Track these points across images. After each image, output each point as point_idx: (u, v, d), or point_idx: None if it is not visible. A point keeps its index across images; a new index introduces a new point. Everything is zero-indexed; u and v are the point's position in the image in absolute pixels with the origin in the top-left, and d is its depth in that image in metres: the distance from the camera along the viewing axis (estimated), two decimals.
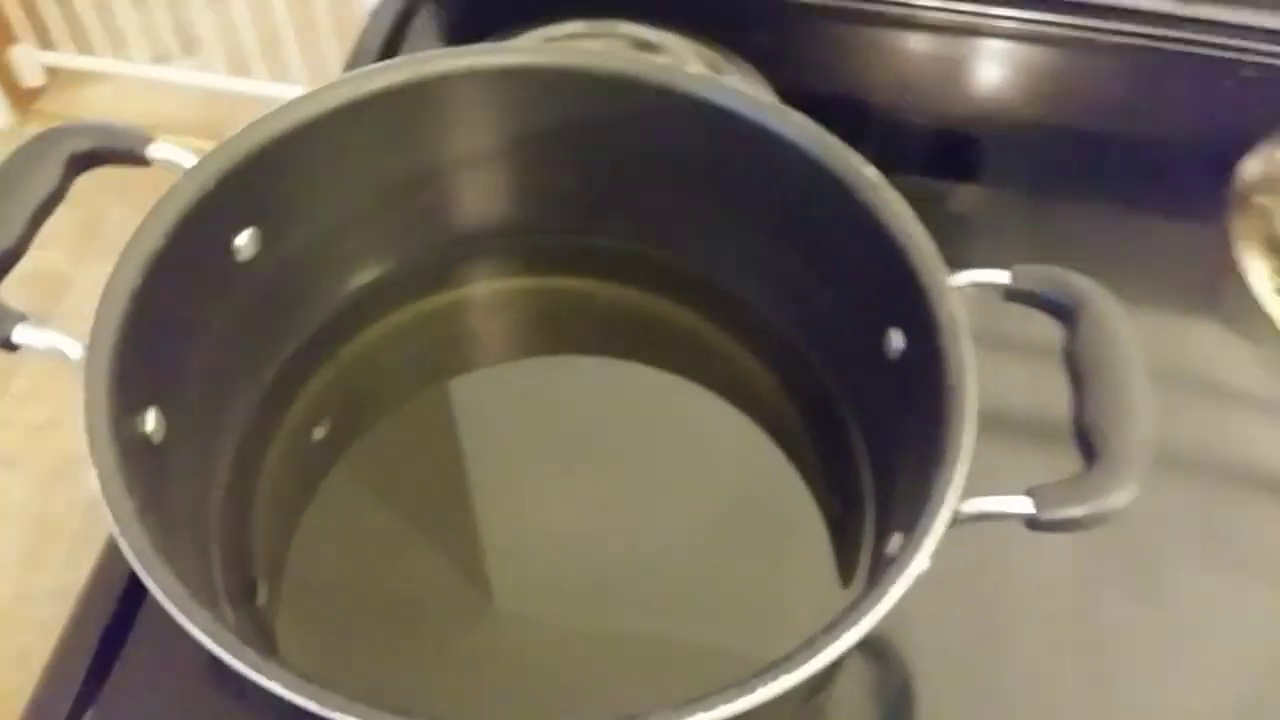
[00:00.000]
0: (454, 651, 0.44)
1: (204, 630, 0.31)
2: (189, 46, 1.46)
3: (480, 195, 0.50)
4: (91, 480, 0.33)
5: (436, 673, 0.43)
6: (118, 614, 0.45)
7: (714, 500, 0.48)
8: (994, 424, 0.38)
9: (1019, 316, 0.42)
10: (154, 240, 0.39)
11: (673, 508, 0.47)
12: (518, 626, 0.45)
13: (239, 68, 1.41)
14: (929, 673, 0.45)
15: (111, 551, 0.46)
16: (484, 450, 0.49)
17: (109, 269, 0.38)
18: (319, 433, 0.49)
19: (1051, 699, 0.45)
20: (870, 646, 0.45)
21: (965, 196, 0.63)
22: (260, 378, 0.48)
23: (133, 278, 0.38)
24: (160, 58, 1.45)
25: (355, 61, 0.64)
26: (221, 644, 0.31)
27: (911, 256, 0.40)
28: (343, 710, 0.30)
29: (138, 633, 0.44)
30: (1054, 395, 0.40)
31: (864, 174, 0.42)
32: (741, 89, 0.44)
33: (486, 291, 0.53)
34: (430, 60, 0.44)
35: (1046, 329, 0.41)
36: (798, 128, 0.43)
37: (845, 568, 0.45)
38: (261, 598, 0.44)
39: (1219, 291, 0.58)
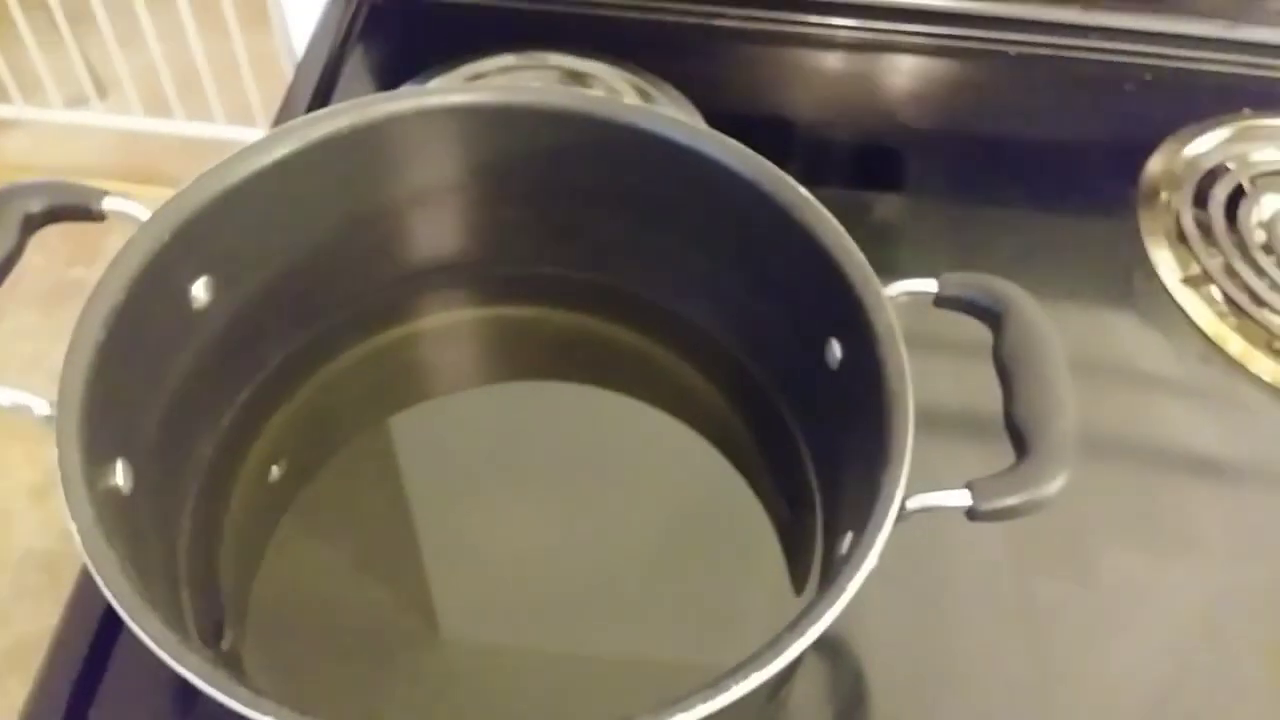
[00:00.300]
0: (420, 678, 0.45)
1: (198, 673, 0.32)
2: (104, 89, 1.44)
3: (428, 231, 0.51)
4: (73, 536, 0.34)
5: (403, 700, 0.44)
6: (89, 660, 0.45)
7: (667, 516, 0.49)
8: (928, 423, 0.40)
9: (945, 321, 0.44)
10: (115, 294, 0.40)
11: (627, 526, 0.49)
12: (481, 651, 0.46)
13: (157, 109, 1.40)
14: (881, 662, 0.47)
15: (81, 595, 0.47)
16: (441, 479, 0.50)
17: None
18: (278, 472, 0.50)
19: (998, 678, 0.47)
20: (824, 644, 0.47)
21: (888, 206, 0.66)
22: (219, 421, 0.48)
23: (96, 332, 0.39)
24: (75, 101, 1.43)
25: (289, 106, 0.64)
26: (217, 686, 0.32)
27: (848, 271, 0.42)
28: None
29: (108, 682, 0.45)
30: (980, 393, 0.42)
31: (800, 194, 0.44)
32: (679, 119, 0.46)
33: (438, 324, 0.54)
34: (376, 103, 0.46)
35: (971, 331, 0.44)
36: (734, 153, 0.45)
37: (797, 576, 0.47)
38: (228, 640, 0.45)
39: (1132, 285, 0.62)
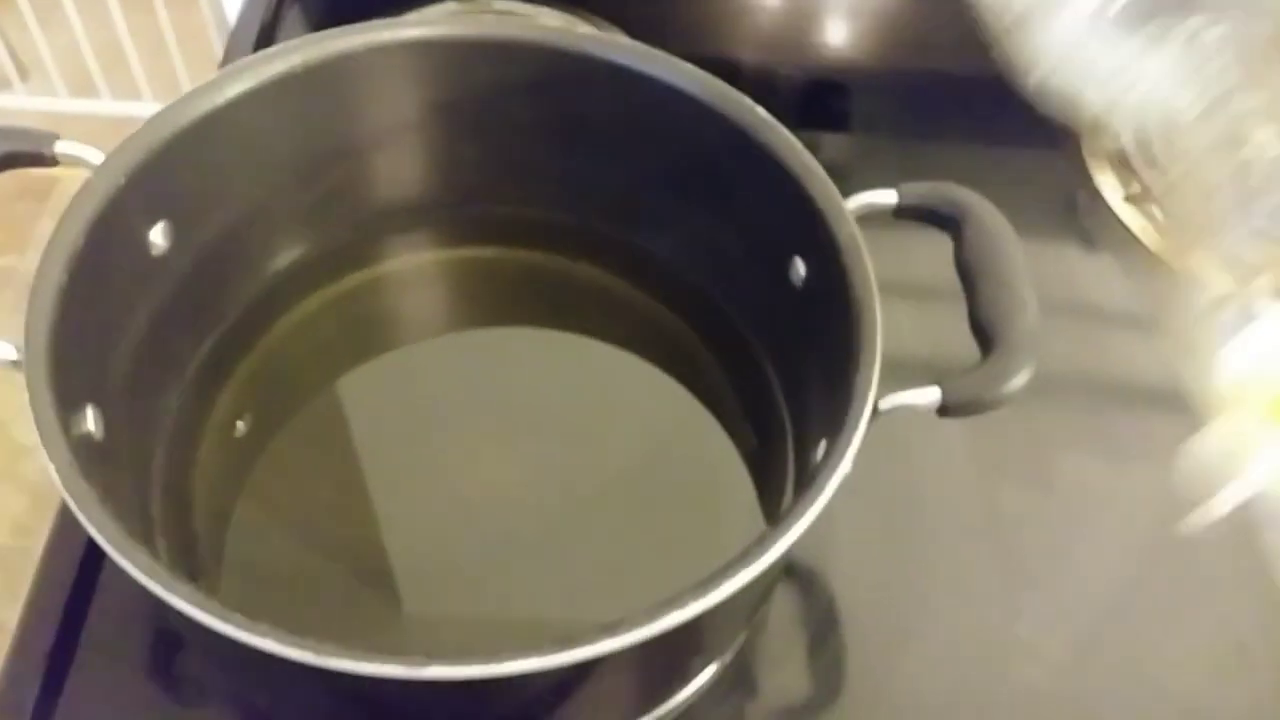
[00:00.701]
0: (394, 619, 0.45)
1: (191, 602, 0.32)
2: (25, 71, 1.40)
3: (386, 172, 0.51)
4: (51, 475, 0.33)
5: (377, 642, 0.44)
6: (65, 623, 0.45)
7: (637, 455, 0.49)
8: (888, 348, 0.40)
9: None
10: (74, 238, 0.39)
11: (597, 466, 0.49)
12: (455, 594, 0.46)
13: (83, 89, 1.37)
14: (853, 582, 0.48)
15: (56, 547, 0.46)
16: (408, 423, 0.50)
17: None
18: (247, 419, 0.49)
19: (966, 589, 0.49)
20: (798, 569, 0.48)
21: (837, 144, 0.67)
22: (185, 370, 0.48)
23: (58, 276, 0.38)
24: None
25: (231, 56, 0.63)
26: (210, 611, 0.31)
27: (809, 186, 0.43)
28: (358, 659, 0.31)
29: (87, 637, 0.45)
30: (938, 322, 0.43)
31: (757, 114, 0.45)
32: (632, 43, 0.46)
33: (398, 268, 0.54)
34: (328, 39, 0.45)
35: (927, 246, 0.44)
36: (689, 76, 0.46)
37: (769, 509, 0.47)
38: (201, 589, 0.44)
39: (1079, 207, 0.63)
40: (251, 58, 0.45)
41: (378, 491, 0.48)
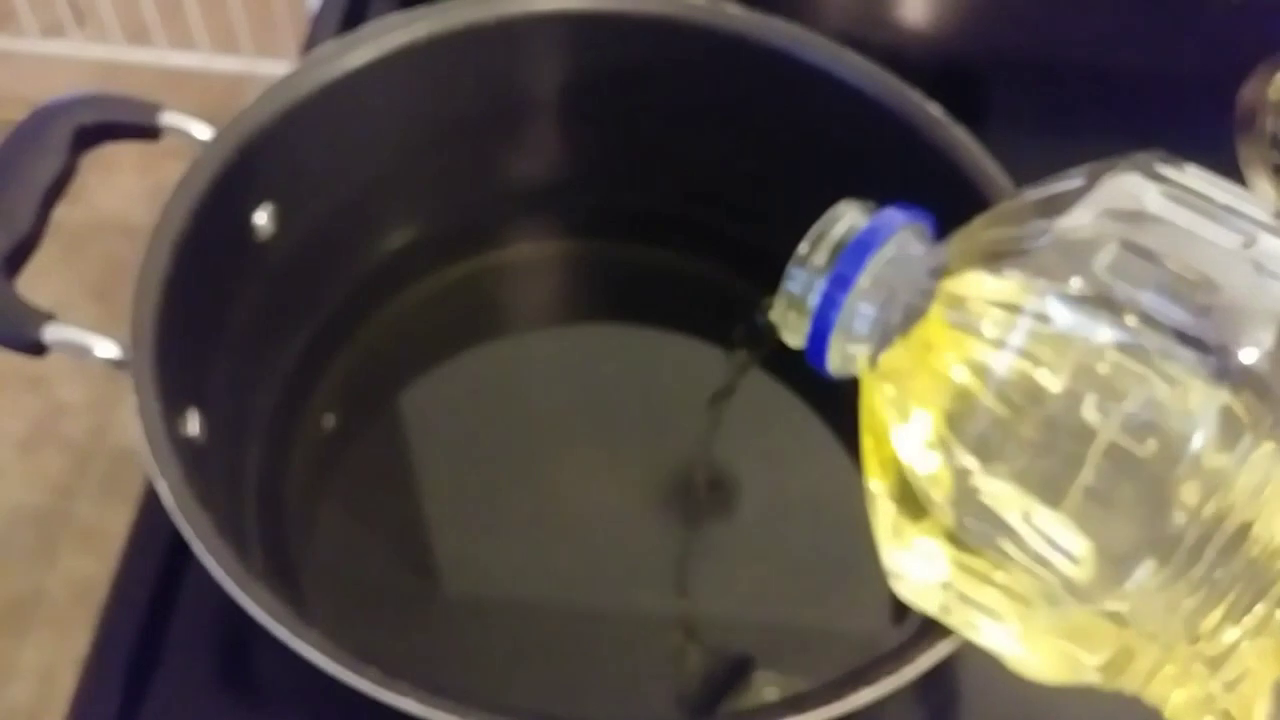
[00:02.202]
0: (488, 635, 0.42)
1: (318, 648, 0.28)
2: (82, 17, 1.36)
3: (506, 154, 0.47)
4: (163, 494, 0.30)
5: (473, 660, 0.41)
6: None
7: (754, 469, 0.46)
8: None
9: None
10: (181, 222, 0.35)
11: (709, 474, 0.45)
12: (560, 610, 0.43)
13: (138, 37, 1.33)
14: None
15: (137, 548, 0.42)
16: (512, 424, 0.46)
17: None
18: (340, 414, 0.46)
19: None
20: None
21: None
22: (282, 365, 0.44)
23: (164, 265, 0.34)
24: (51, 30, 1.35)
25: (317, 30, 0.59)
26: (342, 663, 0.28)
27: (988, 194, 0.39)
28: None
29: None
30: None
31: (929, 112, 0.40)
32: (794, 27, 0.41)
33: (511, 258, 0.50)
34: (455, 9, 0.41)
35: None
36: (854, 67, 0.41)
37: None
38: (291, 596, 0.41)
39: None
40: (372, 25, 0.40)
41: (470, 497, 0.45)
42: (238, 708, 0.41)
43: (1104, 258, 0.26)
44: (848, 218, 0.32)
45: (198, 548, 0.29)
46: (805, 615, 0.42)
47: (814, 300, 0.31)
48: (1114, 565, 0.25)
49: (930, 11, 0.68)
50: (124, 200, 1.39)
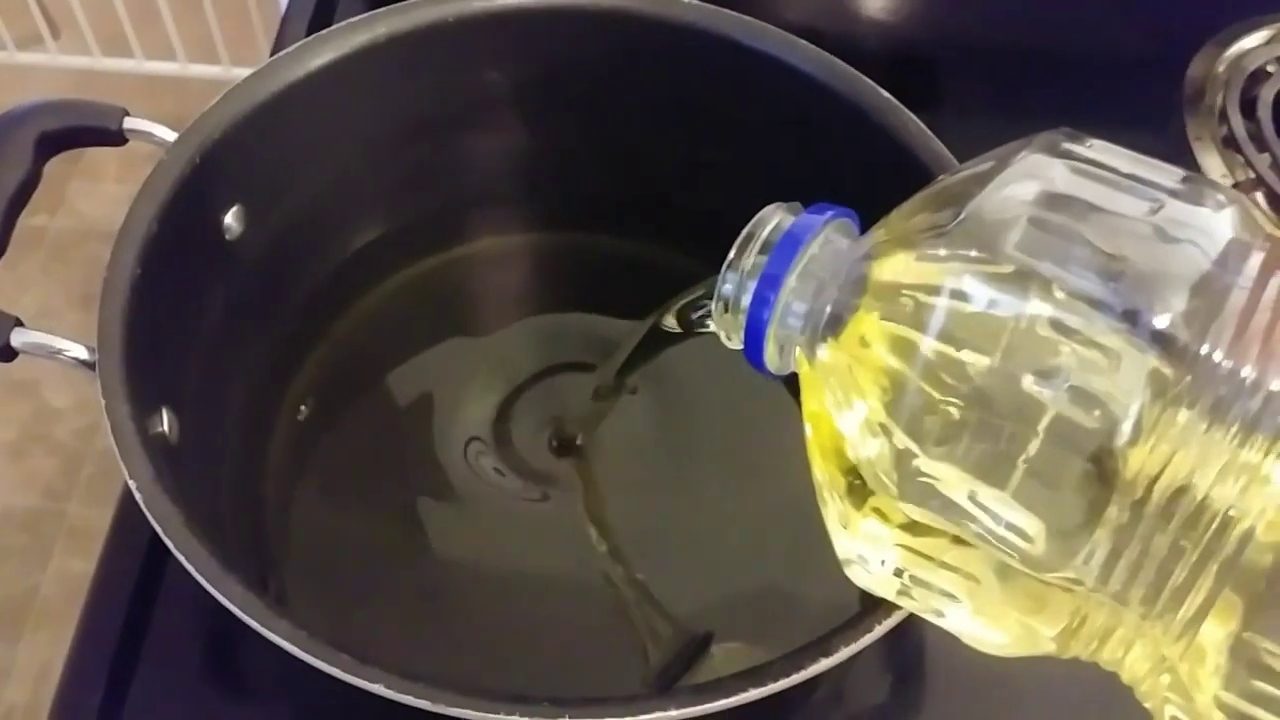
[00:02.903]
0: (470, 621, 0.42)
1: (291, 640, 0.29)
2: (57, 28, 1.36)
3: (471, 151, 0.48)
4: (135, 493, 0.30)
5: (455, 643, 0.42)
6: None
7: (738, 458, 0.47)
8: None
9: None
10: (146, 225, 0.36)
11: (696, 472, 0.46)
12: (532, 590, 0.44)
13: (115, 47, 1.33)
14: None
15: (109, 564, 0.43)
16: (485, 415, 0.47)
17: None
18: (314, 407, 0.47)
19: None
20: None
21: (926, 121, 0.63)
22: (255, 363, 0.45)
23: (131, 267, 0.35)
24: (28, 41, 1.35)
25: (285, 35, 0.59)
26: (313, 653, 0.29)
27: (936, 171, 0.40)
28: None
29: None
30: None
31: (881, 97, 0.41)
32: (743, 17, 0.42)
33: (483, 250, 0.51)
34: (417, 8, 0.42)
35: None
36: (805, 54, 0.42)
37: None
38: (271, 590, 0.42)
39: None
40: (334, 28, 0.41)
41: (444, 483, 0.45)
42: (222, 699, 0.42)
43: (1014, 235, 0.26)
44: (775, 219, 0.32)
45: (170, 544, 0.30)
46: (771, 585, 0.43)
47: (746, 301, 0.31)
48: (1061, 538, 0.26)
49: (888, 2, 0.69)
50: (107, 207, 1.39)
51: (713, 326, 0.33)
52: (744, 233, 0.32)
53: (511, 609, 0.43)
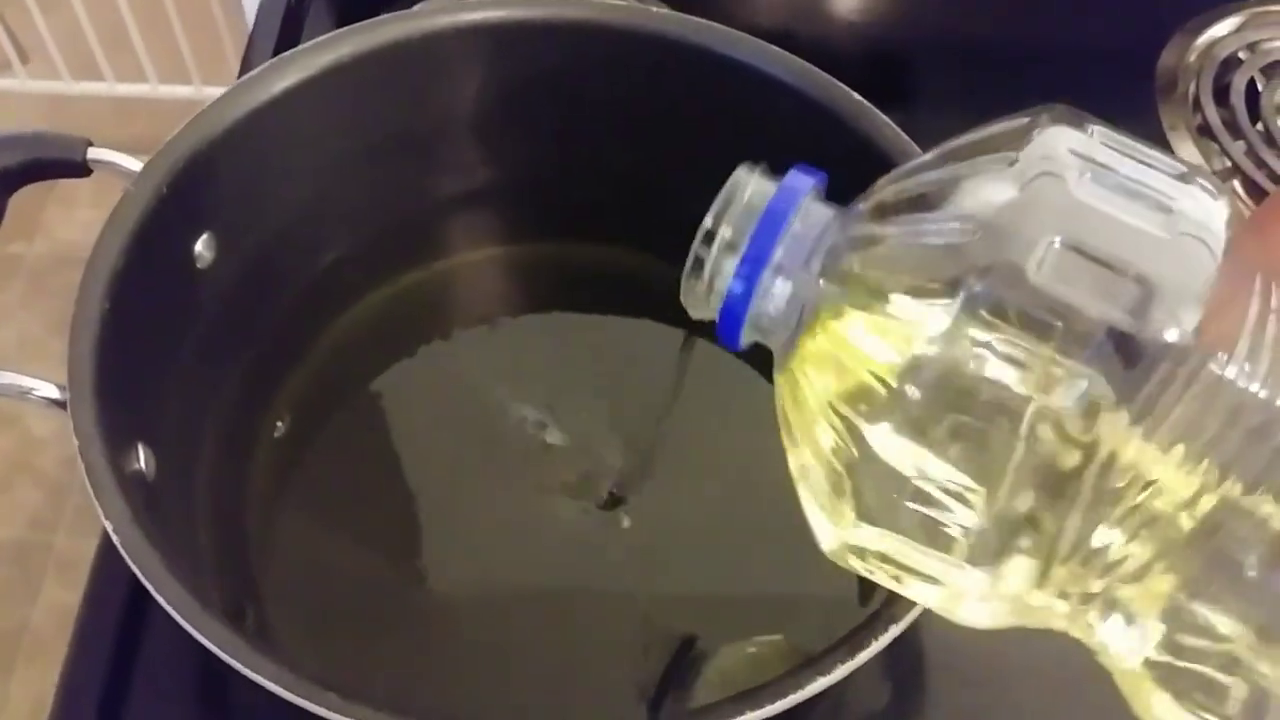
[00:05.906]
0: (460, 640, 0.42)
1: (275, 679, 0.28)
2: (25, 54, 1.36)
3: (441, 166, 0.47)
4: (111, 533, 0.30)
5: (445, 665, 0.42)
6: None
7: (723, 459, 0.46)
8: None
9: None
10: (114, 259, 0.35)
11: (681, 480, 0.46)
12: (522, 606, 0.43)
13: (85, 71, 1.32)
14: None
15: (96, 600, 0.43)
16: (466, 429, 0.47)
17: None
18: (294, 435, 0.46)
19: None
20: None
21: (898, 120, 0.63)
22: (230, 393, 0.44)
23: (100, 302, 0.34)
24: None
25: (251, 56, 0.59)
26: (299, 692, 0.28)
27: None
28: None
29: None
30: None
31: (851, 99, 0.41)
32: (712, 25, 0.42)
33: (462, 263, 0.50)
34: (379, 27, 0.41)
35: None
36: (776, 60, 0.42)
37: None
38: (250, 619, 0.42)
39: None
40: (297, 49, 0.41)
41: (431, 504, 0.45)
42: None
43: (965, 235, 0.26)
44: (751, 185, 0.31)
45: (150, 587, 0.29)
46: (771, 584, 0.43)
47: (725, 277, 0.30)
48: (1003, 526, 0.26)
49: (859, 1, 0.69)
50: (85, 233, 1.38)
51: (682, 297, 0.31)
52: (719, 201, 0.30)
53: (501, 630, 0.42)
